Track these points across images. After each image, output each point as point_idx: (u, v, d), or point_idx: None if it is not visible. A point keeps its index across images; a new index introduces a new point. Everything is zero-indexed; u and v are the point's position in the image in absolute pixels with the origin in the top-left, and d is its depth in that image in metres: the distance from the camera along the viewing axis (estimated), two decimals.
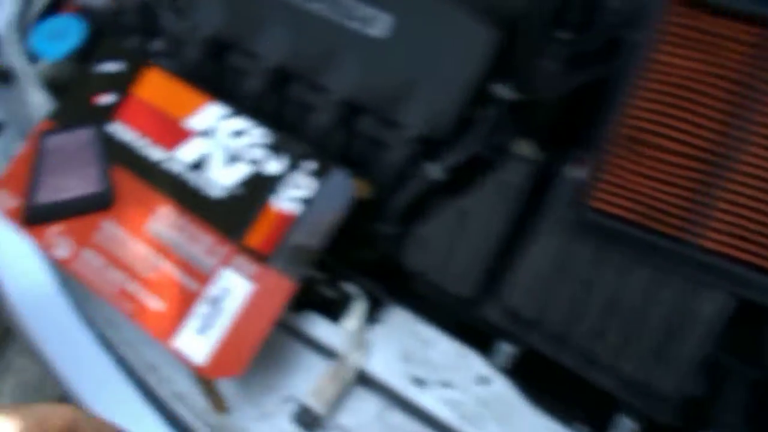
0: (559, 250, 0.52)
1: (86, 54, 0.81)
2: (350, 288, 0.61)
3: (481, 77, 0.58)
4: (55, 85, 0.79)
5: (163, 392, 0.65)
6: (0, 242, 0.79)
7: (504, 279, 0.57)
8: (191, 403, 0.63)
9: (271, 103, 0.68)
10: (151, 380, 0.66)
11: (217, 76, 0.71)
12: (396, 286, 0.64)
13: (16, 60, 0.78)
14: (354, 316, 0.59)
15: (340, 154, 0.64)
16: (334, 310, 0.62)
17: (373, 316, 0.60)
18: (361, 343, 0.59)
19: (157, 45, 0.78)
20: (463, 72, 0.59)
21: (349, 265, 0.64)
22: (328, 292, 0.61)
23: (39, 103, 0.76)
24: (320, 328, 0.61)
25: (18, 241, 0.76)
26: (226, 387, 0.62)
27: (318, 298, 0.62)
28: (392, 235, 0.62)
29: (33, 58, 0.80)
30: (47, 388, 1.31)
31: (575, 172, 0.53)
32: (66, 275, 0.73)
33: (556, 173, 0.56)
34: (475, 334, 0.61)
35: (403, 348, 0.58)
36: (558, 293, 0.52)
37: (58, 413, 0.43)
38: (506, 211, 0.55)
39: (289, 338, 0.62)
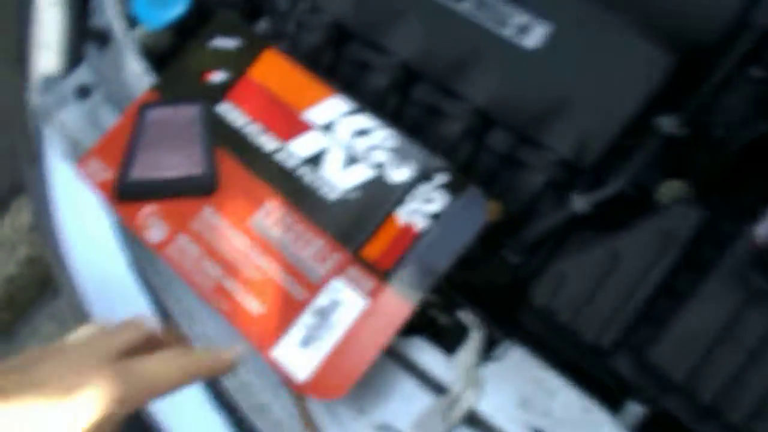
0: (728, 312, 0.46)
1: (186, 27, 0.76)
2: (466, 317, 0.55)
3: (644, 105, 0.53)
4: (150, 54, 0.75)
5: (242, 402, 0.59)
6: (76, 215, 0.74)
7: (646, 332, 0.51)
8: (274, 418, 0.58)
9: (392, 103, 0.62)
10: (229, 385, 0.61)
11: (333, 67, 0.66)
12: (504, 318, 0.59)
13: (115, 22, 0.73)
14: (469, 349, 0.54)
15: (465, 168, 0.59)
16: (442, 338, 0.57)
17: (488, 352, 0.55)
18: (475, 380, 0.53)
19: (263, 25, 0.73)
20: (624, 97, 0.53)
21: (456, 288, 0.59)
22: (442, 319, 0.56)
23: (135, 70, 0.71)
24: (427, 355, 0.55)
25: (96, 218, 0.71)
26: (311, 403, 0.57)
27: (427, 322, 0.57)
28: (517, 265, 0.57)
29: (131, 22, 0.75)
30: None
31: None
32: (141, 259, 0.68)
33: (720, 225, 0.50)
34: (593, 383, 0.55)
35: (521, 393, 0.53)
36: (717, 360, 0.47)
37: (134, 327, 0.45)
38: (666, 261, 0.49)
39: (389, 360, 0.57)
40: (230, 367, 0.46)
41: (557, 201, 0.57)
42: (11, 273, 1.24)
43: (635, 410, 0.52)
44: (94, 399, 0.39)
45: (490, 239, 0.56)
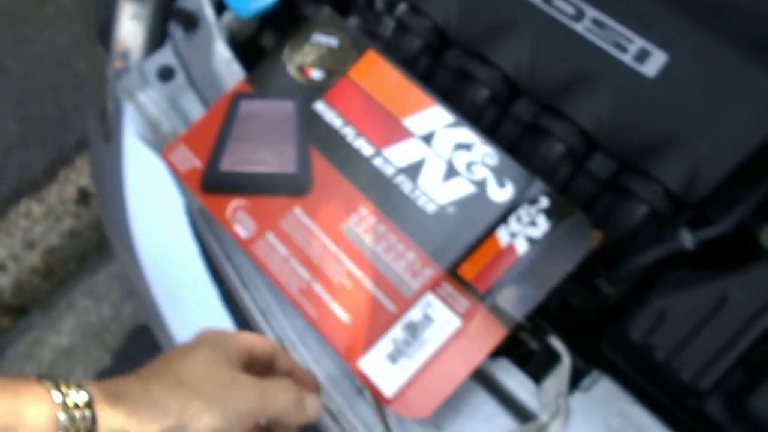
0: None
1: (269, 18, 0.75)
2: (556, 344, 0.54)
3: (760, 144, 0.51)
4: (234, 42, 0.73)
5: None
6: (147, 199, 0.74)
7: (744, 378, 0.50)
8: (346, 425, 0.57)
9: (490, 116, 0.61)
10: None
11: (429, 74, 0.65)
12: (583, 348, 0.58)
13: (206, 6, 0.72)
14: (559, 377, 0.53)
15: (561, 191, 0.58)
16: (527, 362, 0.56)
17: (574, 381, 0.54)
18: (562, 409, 0.52)
19: (353, 22, 0.72)
20: (743, 135, 0.52)
21: (540, 311, 0.58)
22: (532, 343, 0.55)
23: (223, 57, 0.69)
24: (514, 379, 0.54)
25: (169, 205, 0.71)
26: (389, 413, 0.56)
27: (514, 344, 0.56)
28: (608, 295, 0.56)
29: (219, 8, 0.74)
30: (107, 336, 1.27)
31: None
32: (214, 251, 0.67)
33: None
34: (675, 421, 0.54)
35: (608, 426, 0.52)
36: None
37: (262, 342, 0.47)
38: None
39: (472, 379, 0.55)
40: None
41: (657, 233, 0.56)
42: (53, 244, 1.24)
43: None
44: (235, 403, 0.41)
45: (581, 266, 0.55)
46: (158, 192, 0.74)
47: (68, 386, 0.37)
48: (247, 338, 0.46)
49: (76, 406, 0.36)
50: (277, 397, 0.43)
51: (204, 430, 0.39)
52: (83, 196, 1.29)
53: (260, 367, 0.47)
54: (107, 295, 1.26)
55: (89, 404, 0.36)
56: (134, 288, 0.76)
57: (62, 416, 0.35)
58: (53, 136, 1.35)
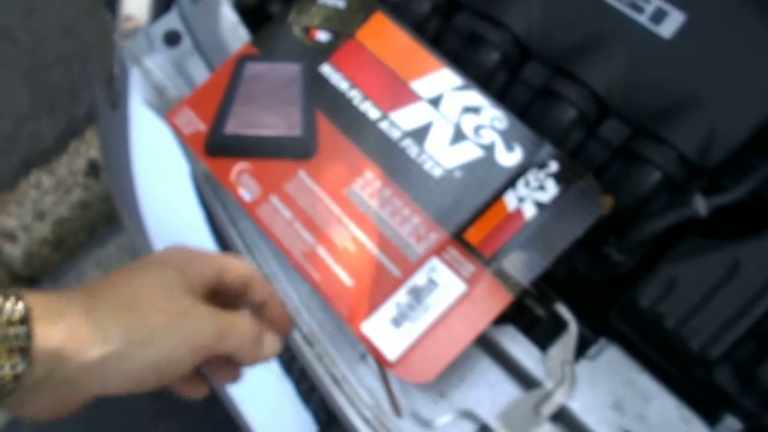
0: None
1: None
2: (563, 311, 0.53)
3: None
4: (241, 8, 0.72)
5: (317, 371, 0.58)
6: (153, 164, 0.73)
7: (754, 347, 0.49)
8: (348, 391, 0.57)
9: (501, 80, 0.60)
10: (305, 353, 0.59)
11: (439, 37, 0.63)
12: (591, 316, 0.57)
13: None
14: (566, 344, 0.52)
15: (572, 156, 0.57)
16: (533, 329, 0.55)
17: (580, 349, 0.53)
18: (569, 376, 0.52)
19: None
20: (761, 99, 0.50)
21: (547, 279, 0.57)
22: (538, 310, 0.54)
23: (230, 21, 0.69)
24: (519, 346, 0.53)
25: (175, 170, 0.70)
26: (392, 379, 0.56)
27: (519, 311, 0.55)
28: (618, 263, 0.55)
29: None
30: None
31: None
32: (219, 215, 0.67)
33: None
34: (682, 390, 0.53)
35: (615, 395, 0.51)
36: None
37: (237, 267, 0.44)
38: None
39: (477, 345, 0.55)
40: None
41: (669, 200, 0.54)
42: (63, 215, 1.25)
43: (732, 425, 0.50)
44: (186, 336, 0.38)
45: (589, 233, 0.54)
46: (164, 158, 0.73)
47: (5, 296, 0.34)
48: (218, 263, 0.43)
49: (10, 322, 0.33)
50: (234, 334, 0.40)
51: (149, 360, 0.37)
52: (93, 169, 1.29)
53: (228, 294, 0.44)
54: (116, 267, 1.26)
55: (25, 320, 0.33)
56: (140, 253, 0.76)
57: None
58: (63, 108, 1.34)
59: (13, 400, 0.34)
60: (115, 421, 1.17)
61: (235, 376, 0.45)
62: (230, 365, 0.44)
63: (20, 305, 0.34)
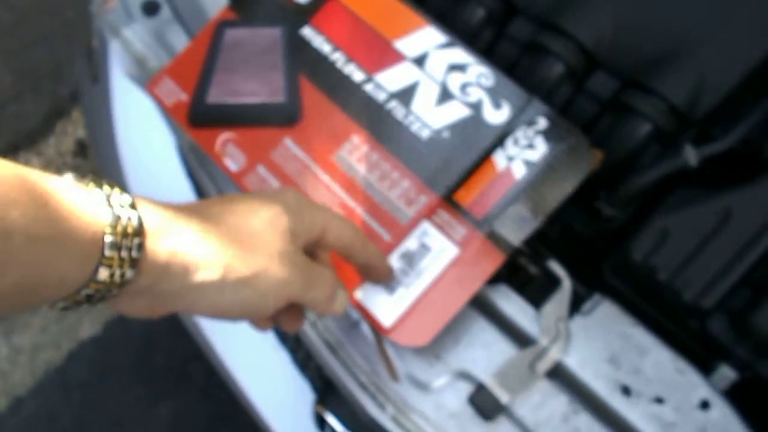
0: None
1: None
2: (556, 268, 0.53)
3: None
4: None
5: (312, 339, 0.58)
6: (138, 138, 0.72)
7: (746, 296, 0.49)
8: (344, 357, 0.57)
9: (486, 37, 0.59)
10: None
11: None
12: (585, 272, 0.57)
13: None
14: (559, 301, 0.52)
15: (561, 112, 0.56)
16: (527, 287, 0.55)
17: (575, 306, 0.53)
18: (563, 333, 0.52)
19: None
20: (750, 45, 0.49)
21: (541, 238, 0.56)
22: (531, 269, 0.53)
23: None
24: (513, 304, 0.53)
25: (160, 142, 0.69)
26: (387, 342, 0.56)
27: (512, 270, 0.55)
28: (610, 218, 0.54)
29: None
30: None
31: None
32: (206, 187, 0.66)
33: None
34: (676, 342, 0.53)
35: (610, 349, 0.51)
36: None
37: (341, 230, 0.44)
38: None
39: (470, 306, 0.55)
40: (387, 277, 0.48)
41: (660, 152, 0.54)
42: None
43: (727, 374, 0.51)
44: (281, 283, 0.39)
45: (581, 188, 0.54)
46: (149, 131, 0.72)
47: (122, 205, 0.34)
48: (326, 221, 0.43)
49: (125, 233, 0.33)
50: (318, 288, 0.42)
51: (241, 298, 0.38)
52: (81, 148, 1.27)
53: (323, 248, 0.45)
54: None
55: (138, 233, 0.33)
56: None
57: (109, 239, 0.32)
58: (48, 88, 1.32)
59: (112, 298, 0.35)
60: (113, 406, 1.18)
61: (299, 322, 0.46)
62: (298, 311, 0.45)
63: (135, 216, 0.34)
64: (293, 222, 0.40)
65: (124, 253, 0.33)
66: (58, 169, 1.24)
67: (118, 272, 0.33)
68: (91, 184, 0.34)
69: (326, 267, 0.44)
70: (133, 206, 0.34)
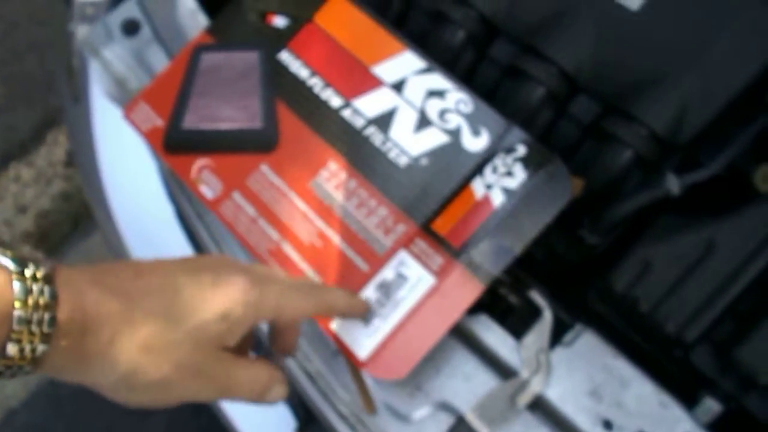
0: None
1: None
2: (537, 298, 0.52)
3: (756, 81, 0.48)
4: None
5: (293, 368, 0.57)
6: (118, 159, 0.71)
7: (731, 328, 0.48)
8: (326, 386, 0.56)
9: (467, 60, 0.57)
10: None
11: (402, 17, 0.61)
12: (568, 299, 0.56)
13: None
14: (540, 332, 0.51)
15: (542, 138, 0.55)
16: (508, 317, 0.54)
17: (558, 334, 0.52)
18: (544, 364, 0.51)
19: None
20: (733, 70, 0.48)
21: (519, 263, 0.55)
22: (512, 298, 0.53)
23: (188, 7, 0.66)
24: (494, 335, 0.52)
25: (141, 165, 0.68)
26: (366, 375, 0.55)
27: (493, 300, 0.54)
28: (593, 246, 0.53)
29: None
30: None
31: None
32: (187, 211, 0.65)
33: None
34: (661, 372, 0.52)
35: (591, 381, 0.50)
36: None
37: (292, 315, 0.42)
38: (766, 255, 0.45)
39: (451, 336, 0.54)
40: (362, 314, 0.48)
41: (643, 180, 0.52)
42: (45, 208, 1.23)
43: (711, 406, 0.49)
44: (188, 393, 0.38)
45: (564, 215, 0.52)
46: (131, 152, 0.71)
47: (35, 279, 0.33)
48: (278, 304, 0.41)
49: (36, 306, 0.32)
50: (234, 391, 0.40)
51: (147, 394, 0.37)
52: (72, 158, 1.27)
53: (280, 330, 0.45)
54: (102, 257, 1.25)
55: (50, 306, 0.32)
56: (113, 251, 0.75)
57: (17, 314, 0.31)
58: (39, 98, 1.32)
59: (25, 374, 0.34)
60: (105, 418, 1.17)
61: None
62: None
63: (47, 290, 0.33)
64: (229, 321, 0.38)
65: (34, 328, 0.32)
66: (50, 181, 1.23)
67: (28, 347, 0.32)
68: (9, 253, 0.33)
69: (254, 365, 0.41)
70: (48, 279, 0.33)
